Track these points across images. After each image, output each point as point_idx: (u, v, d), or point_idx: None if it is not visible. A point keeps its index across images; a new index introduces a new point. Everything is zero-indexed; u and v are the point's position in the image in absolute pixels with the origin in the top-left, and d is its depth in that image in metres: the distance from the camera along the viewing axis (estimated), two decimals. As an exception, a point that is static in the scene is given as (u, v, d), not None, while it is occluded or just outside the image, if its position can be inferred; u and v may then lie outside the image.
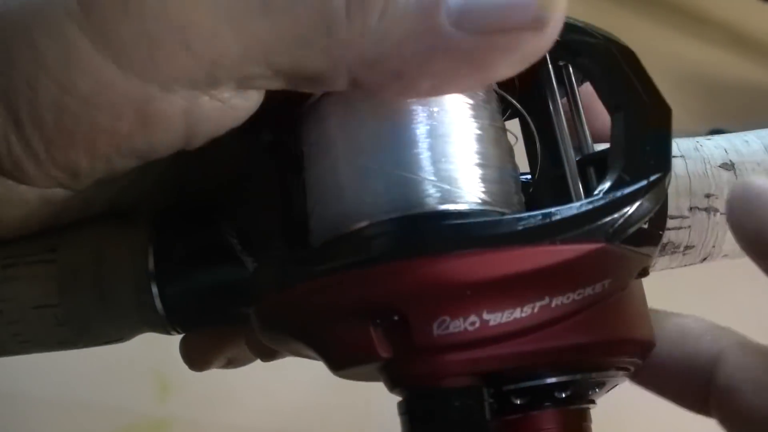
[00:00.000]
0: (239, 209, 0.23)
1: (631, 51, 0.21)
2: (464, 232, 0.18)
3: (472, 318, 0.18)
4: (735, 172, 0.25)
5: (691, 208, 0.24)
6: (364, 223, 0.19)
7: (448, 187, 0.19)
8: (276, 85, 0.19)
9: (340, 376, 0.20)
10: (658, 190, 0.19)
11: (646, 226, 0.19)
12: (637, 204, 0.19)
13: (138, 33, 0.17)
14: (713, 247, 0.25)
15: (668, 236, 0.25)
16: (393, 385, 0.19)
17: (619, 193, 0.19)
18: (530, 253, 0.18)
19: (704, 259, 0.26)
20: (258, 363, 0.37)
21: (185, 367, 0.37)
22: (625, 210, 0.19)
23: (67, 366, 0.32)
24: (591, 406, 0.21)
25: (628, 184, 0.19)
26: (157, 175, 0.23)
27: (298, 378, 0.42)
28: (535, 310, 0.18)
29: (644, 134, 0.20)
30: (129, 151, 0.19)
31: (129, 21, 0.17)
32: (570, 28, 0.21)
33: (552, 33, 0.18)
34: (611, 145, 0.20)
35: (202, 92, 0.18)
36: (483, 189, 0.19)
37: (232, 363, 0.26)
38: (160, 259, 0.23)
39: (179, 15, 0.17)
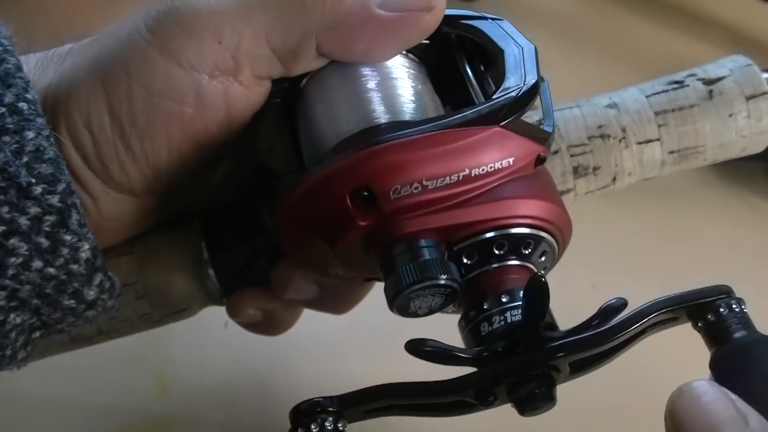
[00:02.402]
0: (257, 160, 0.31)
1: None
2: (403, 126, 0.26)
3: (416, 184, 0.26)
4: (618, 109, 0.33)
5: (589, 137, 0.33)
6: (335, 142, 0.27)
7: (390, 109, 0.28)
8: (275, 69, 0.28)
9: (339, 260, 0.28)
10: (532, 91, 0.28)
11: (528, 121, 0.28)
12: (515, 100, 0.27)
13: (188, 39, 0.27)
14: (616, 165, 0.33)
15: (577, 161, 0.33)
16: (373, 251, 0.27)
17: (504, 95, 0.27)
18: (448, 136, 0.26)
19: (614, 179, 0.33)
20: (258, 363, 0.40)
21: (185, 367, 0.39)
22: (509, 104, 0.27)
23: (67, 366, 0.32)
24: (527, 264, 0.28)
25: (512, 89, 0.28)
26: (202, 190, 0.32)
27: (298, 378, 0.43)
28: (460, 177, 0.26)
29: (520, 60, 0.29)
30: (192, 135, 0.28)
31: (182, 33, 0.27)
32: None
33: (439, 13, 0.29)
34: (501, 69, 0.29)
35: (232, 78, 0.28)
36: (414, 107, 0.28)
37: (267, 319, 0.33)
38: (211, 248, 0.32)
39: (213, 19, 0.27)
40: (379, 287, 0.28)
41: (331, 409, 0.25)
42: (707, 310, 0.27)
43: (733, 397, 0.23)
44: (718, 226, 0.51)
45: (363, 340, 0.44)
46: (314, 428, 0.24)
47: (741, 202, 0.54)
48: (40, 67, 0.29)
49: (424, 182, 0.26)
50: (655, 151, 0.33)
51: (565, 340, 0.26)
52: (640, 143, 0.33)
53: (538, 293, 0.25)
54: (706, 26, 0.65)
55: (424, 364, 0.26)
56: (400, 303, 0.26)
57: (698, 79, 0.34)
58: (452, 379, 0.26)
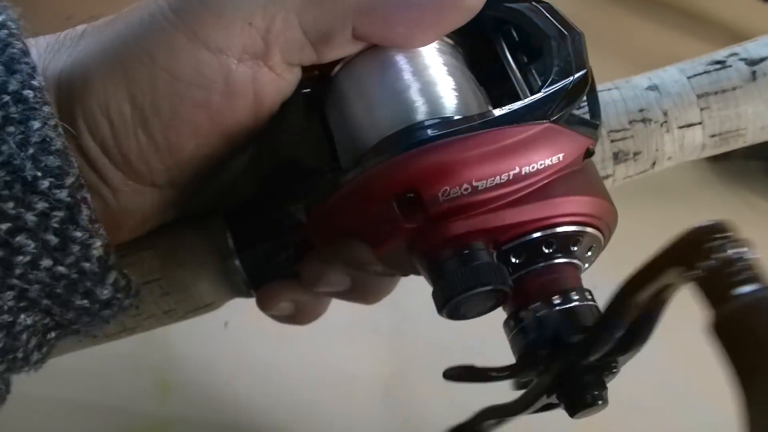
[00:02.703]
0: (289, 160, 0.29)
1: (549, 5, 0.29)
2: (450, 126, 0.25)
3: (465, 186, 0.25)
4: (659, 91, 0.32)
5: (630, 122, 0.32)
6: (374, 139, 0.26)
7: (432, 103, 0.26)
8: (307, 55, 0.26)
9: (382, 262, 0.27)
10: (582, 83, 0.26)
11: (579, 112, 0.26)
12: (567, 93, 0.26)
13: (217, 21, 0.25)
14: (656, 150, 0.32)
15: (618, 146, 0.32)
16: (419, 254, 0.26)
17: (554, 87, 0.26)
18: (498, 134, 0.25)
19: (653, 163, 0.32)
20: (258, 363, 0.39)
21: (185, 367, 0.39)
22: (560, 98, 0.26)
23: (67, 366, 0.32)
24: (575, 261, 0.27)
25: (561, 82, 0.26)
26: (225, 182, 0.31)
27: (298, 378, 0.43)
28: (511, 176, 0.25)
29: (567, 49, 0.27)
30: (219, 124, 0.27)
31: (210, 14, 0.25)
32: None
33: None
34: (548, 60, 0.27)
35: (262, 62, 0.26)
36: (457, 103, 0.26)
37: (298, 311, 0.32)
38: (238, 241, 0.31)
39: (243, 2, 0.25)
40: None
41: None
42: (699, 253, 0.20)
43: None
44: None
45: (364, 339, 0.44)
46: None
47: (741, 202, 0.54)
48: (51, 51, 0.27)
49: (474, 183, 0.25)
50: (696, 135, 0.32)
51: (605, 343, 0.25)
52: (681, 127, 0.32)
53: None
54: (706, 26, 0.65)
55: (425, 365, 0.26)
56: (450, 309, 0.25)
57: (740, 59, 0.32)
58: (531, 389, 0.26)
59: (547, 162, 0.26)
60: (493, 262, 0.25)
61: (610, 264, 0.29)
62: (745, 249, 0.20)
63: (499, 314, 0.27)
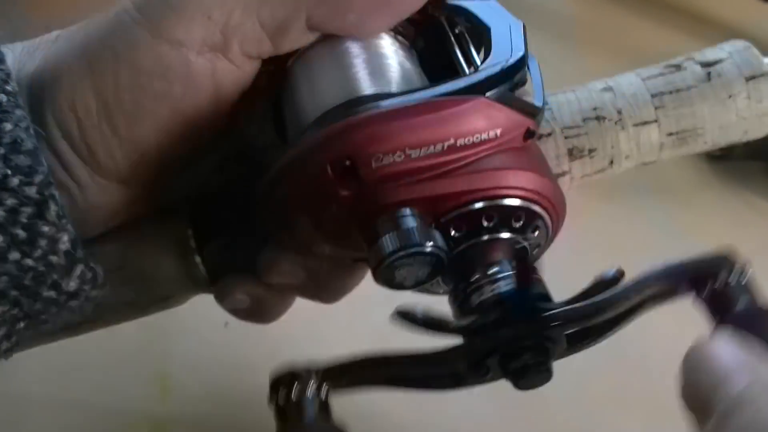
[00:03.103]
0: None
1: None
2: (386, 97, 0.26)
3: (399, 153, 0.25)
4: (614, 92, 0.33)
5: (584, 119, 0.32)
6: (318, 115, 0.27)
7: (375, 82, 0.27)
8: (264, 47, 0.28)
9: (324, 236, 0.27)
10: (519, 63, 0.27)
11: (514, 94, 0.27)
12: (501, 72, 0.27)
13: (177, 15, 0.27)
14: (612, 147, 0.32)
15: (572, 143, 0.32)
16: (356, 223, 0.26)
17: (489, 66, 0.27)
18: (432, 105, 0.26)
19: (611, 161, 0.33)
20: (258, 363, 0.38)
21: (185, 367, 0.39)
22: (494, 75, 0.27)
23: (67, 366, 0.33)
24: (517, 237, 0.27)
25: (497, 62, 0.27)
26: (190, 179, 0.32)
27: None
28: (445, 146, 0.26)
29: (507, 36, 0.28)
30: (180, 115, 0.28)
31: (170, 9, 0.27)
32: None
33: None
34: (489, 47, 0.28)
35: (221, 54, 0.28)
36: (400, 82, 0.28)
37: (256, 306, 0.32)
38: (198, 235, 0.31)
39: None
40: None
41: (312, 378, 0.24)
42: (709, 278, 0.25)
43: (752, 341, 0.22)
44: (718, 226, 0.50)
45: (363, 340, 0.43)
46: (294, 393, 0.23)
47: (741, 202, 0.53)
48: (26, 54, 0.29)
49: (407, 151, 0.25)
50: (652, 134, 0.32)
51: (559, 310, 0.25)
52: (636, 125, 0.32)
53: (523, 260, 0.24)
54: (705, 25, 0.65)
55: None
56: (384, 272, 0.25)
57: (696, 63, 0.33)
58: (443, 349, 0.25)
59: (483, 136, 0.26)
60: (422, 226, 0.25)
61: (611, 264, 0.29)
62: (744, 273, 0.25)
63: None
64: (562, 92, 0.33)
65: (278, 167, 0.27)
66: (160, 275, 0.31)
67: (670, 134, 0.32)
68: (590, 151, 0.32)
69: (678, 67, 0.33)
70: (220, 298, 0.32)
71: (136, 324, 0.33)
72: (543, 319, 0.25)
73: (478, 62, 0.30)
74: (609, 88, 0.33)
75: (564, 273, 0.29)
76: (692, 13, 0.66)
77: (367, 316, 0.34)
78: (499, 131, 0.26)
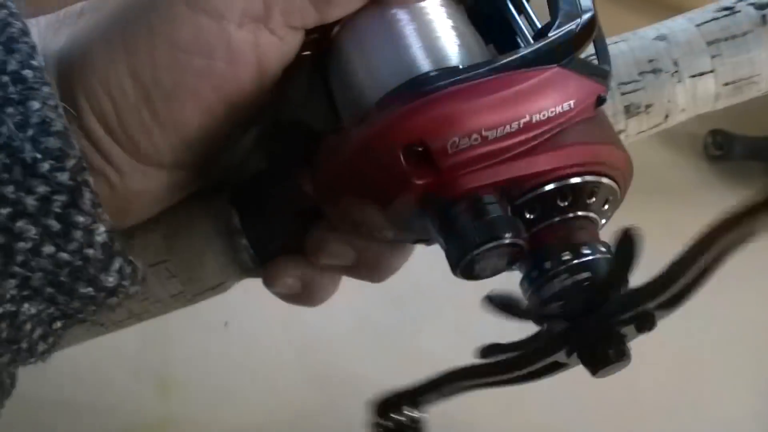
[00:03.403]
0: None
1: None
2: (455, 74, 0.24)
3: (475, 136, 0.24)
4: (668, 41, 0.31)
5: (640, 73, 0.31)
6: (378, 96, 0.25)
7: (435, 55, 0.25)
8: (309, 16, 0.26)
9: (393, 225, 0.26)
10: (590, 26, 0.25)
11: (588, 58, 0.26)
12: (575, 36, 0.25)
13: None
14: (669, 102, 0.31)
15: (629, 99, 0.31)
16: (430, 212, 0.25)
17: (561, 31, 0.25)
18: (505, 80, 0.24)
19: (667, 116, 0.31)
20: (258, 362, 0.39)
21: (185, 367, 0.39)
22: (568, 41, 0.25)
23: (67, 366, 0.32)
24: (591, 215, 0.26)
25: (568, 25, 0.25)
26: (232, 157, 0.30)
27: (298, 378, 0.43)
28: (521, 125, 0.24)
29: None
30: (223, 94, 0.26)
31: None
32: None
33: None
34: (554, 6, 0.26)
35: (263, 26, 0.25)
36: (461, 53, 0.26)
37: (305, 288, 0.30)
38: (243, 217, 0.30)
39: None
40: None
41: (408, 399, 0.24)
42: None
43: None
44: None
45: (368, 338, 0.43)
46: (394, 416, 0.23)
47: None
48: (51, 30, 0.26)
49: (484, 133, 0.24)
50: (708, 84, 0.31)
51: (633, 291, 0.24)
52: (693, 76, 0.31)
53: (629, 247, 0.23)
54: None
55: (425, 366, 0.25)
56: (464, 266, 0.24)
57: (749, 4, 0.32)
58: (538, 346, 0.25)
59: (558, 109, 0.25)
60: (507, 215, 0.24)
61: None
62: None
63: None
64: (612, 42, 0.31)
65: (343, 155, 0.25)
66: (207, 263, 0.30)
67: (727, 84, 0.31)
68: (647, 106, 0.31)
69: (731, 10, 0.32)
70: (270, 283, 0.30)
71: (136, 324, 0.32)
72: (614, 306, 0.24)
73: (535, 19, 0.28)
74: (663, 37, 0.31)
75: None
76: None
77: (369, 317, 0.34)
78: (573, 102, 0.25)
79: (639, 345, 0.26)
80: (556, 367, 0.26)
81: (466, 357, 0.26)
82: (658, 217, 0.50)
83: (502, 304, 0.24)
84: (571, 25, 0.25)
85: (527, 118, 0.24)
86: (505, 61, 0.24)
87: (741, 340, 0.51)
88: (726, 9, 0.32)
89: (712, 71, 0.31)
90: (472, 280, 0.25)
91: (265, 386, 0.43)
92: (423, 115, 0.24)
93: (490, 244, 0.23)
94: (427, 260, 0.30)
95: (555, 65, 0.25)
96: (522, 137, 0.24)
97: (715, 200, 0.55)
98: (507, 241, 0.24)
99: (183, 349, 0.42)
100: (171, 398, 0.41)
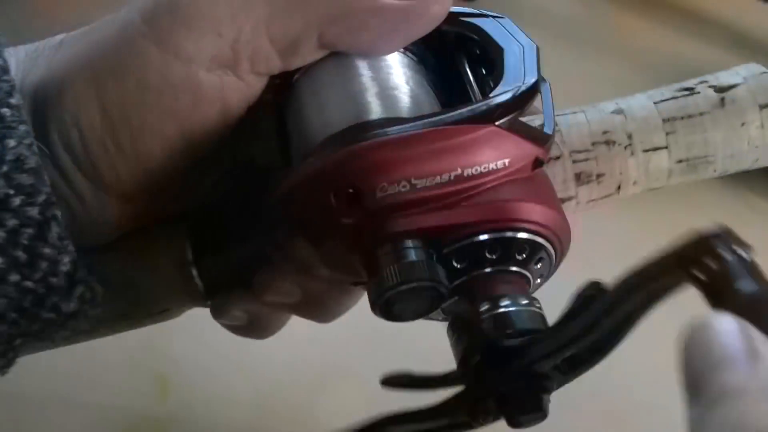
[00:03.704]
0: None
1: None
2: (394, 123, 0.25)
3: (404, 183, 0.25)
4: (625, 114, 0.32)
5: (593, 143, 0.31)
6: (323, 137, 0.26)
7: (385, 105, 0.26)
8: (274, 63, 0.27)
9: (324, 262, 0.27)
10: (531, 91, 0.26)
11: (525, 121, 0.26)
12: (513, 99, 0.26)
13: (186, 31, 0.26)
14: (620, 174, 0.32)
15: (581, 167, 0.31)
16: (358, 252, 0.26)
17: (501, 93, 0.26)
18: (439, 133, 0.25)
19: (618, 187, 0.32)
20: (257, 363, 0.39)
21: (185, 367, 0.39)
22: (506, 103, 0.26)
23: (67, 366, 0.33)
24: (521, 270, 0.27)
25: (509, 88, 0.26)
26: (193, 192, 0.31)
27: (298, 379, 0.43)
28: (452, 177, 0.25)
29: (520, 60, 0.27)
30: (187, 132, 0.27)
31: (180, 25, 0.26)
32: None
33: (447, 3, 0.27)
34: (501, 70, 0.27)
35: (230, 71, 0.27)
36: (410, 107, 0.27)
37: (252, 322, 0.31)
38: (197, 249, 0.31)
39: (213, 11, 0.26)
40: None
41: None
42: (702, 255, 0.21)
43: (754, 333, 0.19)
44: None
45: (363, 341, 0.43)
46: None
47: (741, 202, 0.53)
48: (30, 60, 0.28)
49: (413, 181, 0.25)
50: (662, 160, 0.32)
51: (540, 344, 0.25)
52: (646, 151, 0.31)
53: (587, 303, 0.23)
54: (707, 26, 0.65)
55: (425, 366, 0.25)
56: (382, 305, 0.25)
57: (710, 86, 0.32)
58: (442, 402, 0.25)
59: (492, 166, 0.26)
60: (426, 260, 0.25)
61: (611, 265, 0.29)
62: (746, 251, 0.22)
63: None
64: (571, 111, 0.32)
65: (281, 190, 0.26)
66: (156, 288, 0.31)
67: (680, 161, 0.32)
68: (598, 176, 0.31)
69: (691, 91, 0.32)
70: (217, 314, 0.31)
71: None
72: (528, 357, 0.25)
73: (492, 87, 0.29)
74: (620, 111, 0.32)
75: (564, 274, 0.29)
76: (693, 13, 0.66)
77: (369, 317, 0.34)
78: (507, 161, 0.26)
79: (635, 345, 0.25)
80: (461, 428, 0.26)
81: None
82: (658, 217, 0.50)
83: (400, 383, 0.25)
84: (512, 89, 0.26)
85: (458, 172, 0.25)
86: (444, 115, 0.26)
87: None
88: (686, 89, 0.32)
89: (666, 147, 0.31)
90: (395, 321, 0.26)
91: (264, 386, 0.43)
92: (355, 159, 0.25)
93: (406, 286, 0.24)
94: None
95: (491, 124, 0.25)
96: (452, 189, 0.25)
97: (716, 200, 0.54)
98: (422, 284, 0.24)
99: (183, 349, 0.42)
100: (171, 398, 0.41)
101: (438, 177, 0.25)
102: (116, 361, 0.41)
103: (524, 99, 0.26)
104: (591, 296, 0.24)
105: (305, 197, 0.25)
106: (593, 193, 0.32)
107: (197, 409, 0.41)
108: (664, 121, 0.32)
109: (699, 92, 0.32)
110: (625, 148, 0.31)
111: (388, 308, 0.25)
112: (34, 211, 0.25)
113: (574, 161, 0.31)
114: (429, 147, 0.25)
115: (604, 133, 0.31)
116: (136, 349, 0.40)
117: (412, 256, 0.25)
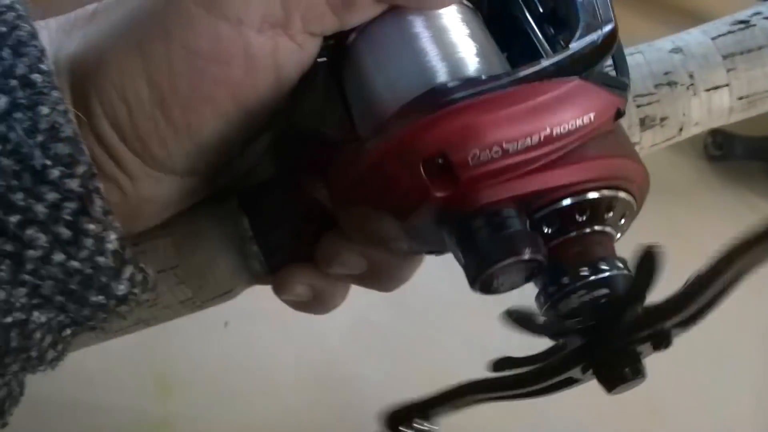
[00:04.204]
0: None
1: None
2: (476, 85, 0.24)
3: (496, 148, 0.23)
4: (684, 53, 0.31)
5: (656, 85, 0.31)
6: (396, 105, 0.25)
7: (454, 65, 0.25)
8: (328, 22, 0.25)
9: (409, 236, 0.25)
10: (611, 37, 0.25)
11: (608, 70, 0.25)
12: (597, 48, 0.25)
13: None
14: (684, 115, 0.31)
15: (644, 111, 0.31)
16: (448, 225, 0.24)
17: (581, 43, 0.25)
18: (527, 91, 0.24)
19: (680, 129, 0.31)
20: (258, 363, 0.39)
21: (185, 367, 0.39)
22: (590, 53, 0.25)
23: (67, 366, 0.30)
24: (608, 229, 0.26)
25: (589, 36, 0.25)
26: (245, 164, 0.29)
27: (298, 378, 0.43)
28: (542, 137, 0.24)
29: (593, 4, 0.26)
30: (240, 101, 0.25)
31: None
32: None
33: None
34: (572, 14, 0.26)
35: (282, 32, 0.25)
36: (480, 63, 0.25)
37: (315, 297, 0.30)
38: (254, 225, 0.29)
39: None
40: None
41: (419, 411, 0.23)
42: None
43: None
44: (718, 226, 0.51)
45: (368, 338, 0.43)
46: (404, 429, 0.23)
47: (741, 202, 0.54)
48: (63, 33, 0.26)
49: (505, 145, 0.24)
50: (723, 98, 0.31)
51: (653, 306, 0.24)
52: (708, 90, 0.31)
53: (650, 265, 0.23)
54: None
55: (425, 366, 0.25)
56: (483, 281, 0.24)
57: (764, 18, 0.32)
58: (553, 361, 0.24)
59: (579, 122, 0.24)
60: (527, 230, 0.24)
61: None
62: None
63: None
64: (629, 53, 0.31)
65: (361, 167, 0.24)
66: (217, 270, 0.29)
67: (741, 98, 0.31)
68: (662, 119, 0.31)
69: (746, 23, 0.32)
70: (280, 290, 0.30)
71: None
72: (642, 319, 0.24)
73: (553, 32, 0.28)
74: (678, 49, 0.31)
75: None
76: (692, 13, 0.66)
77: (368, 317, 0.33)
78: (593, 115, 0.25)
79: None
80: (569, 383, 0.26)
81: (464, 356, 0.25)
82: (659, 217, 0.49)
83: (520, 319, 0.24)
84: (592, 37, 0.25)
85: (548, 131, 0.24)
86: (526, 72, 0.24)
87: (741, 340, 0.51)
88: (741, 22, 0.32)
89: (727, 85, 0.31)
90: (490, 295, 0.25)
91: (264, 386, 0.42)
92: (444, 126, 0.23)
93: (510, 260, 0.23)
94: (427, 260, 0.30)
95: (576, 77, 0.24)
96: (542, 150, 0.24)
97: (715, 200, 0.55)
98: (527, 257, 0.23)
99: (183, 349, 0.42)
100: (171, 398, 0.41)
101: (529, 139, 0.24)
102: (117, 361, 0.40)
103: (606, 47, 0.25)
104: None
105: (389, 172, 0.24)
106: (657, 137, 0.31)
107: (197, 409, 0.41)
108: (724, 57, 0.31)
109: (755, 24, 0.31)
110: (688, 88, 0.31)
111: (488, 284, 0.24)
112: (74, 183, 0.23)
113: (638, 105, 0.30)
114: (520, 107, 0.24)
115: (666, 74, 0.31)
116: (136, 349, 0.40)
117: (512, 226, 0.24)
